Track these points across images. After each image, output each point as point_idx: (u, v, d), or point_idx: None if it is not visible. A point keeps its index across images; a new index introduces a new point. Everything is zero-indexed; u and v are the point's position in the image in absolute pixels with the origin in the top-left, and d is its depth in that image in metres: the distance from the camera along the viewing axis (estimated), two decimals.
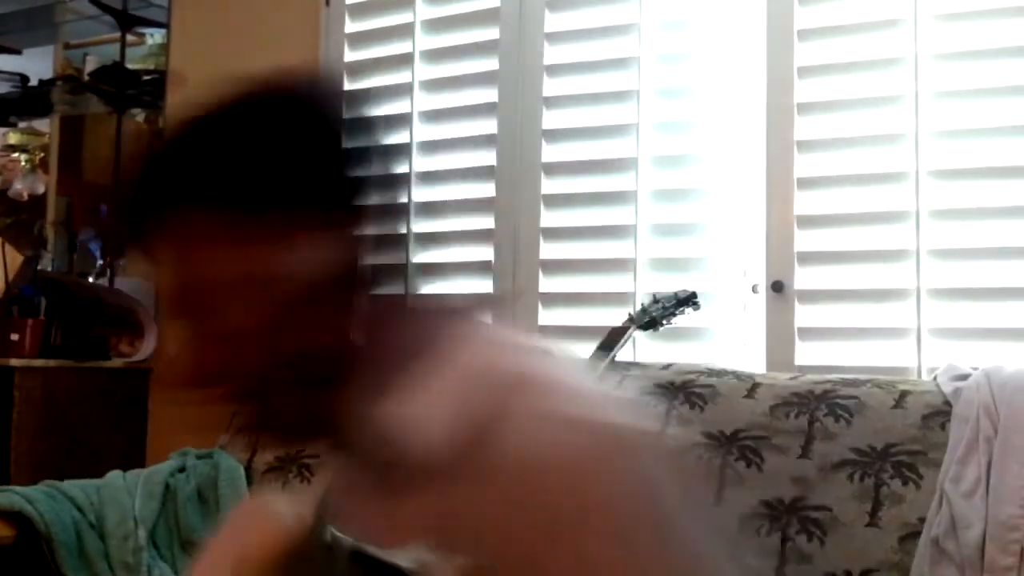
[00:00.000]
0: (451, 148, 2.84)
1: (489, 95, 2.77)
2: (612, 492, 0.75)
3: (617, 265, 2.54)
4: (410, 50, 2.91)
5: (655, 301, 2.27)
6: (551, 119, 2.68)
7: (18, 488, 2.00)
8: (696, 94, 2.51)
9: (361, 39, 3.04)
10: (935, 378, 1.88)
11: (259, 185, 0.84)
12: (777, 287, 2.33)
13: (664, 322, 2.25)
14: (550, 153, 2.67)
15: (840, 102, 2.32)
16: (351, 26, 3.06)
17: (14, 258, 3.52)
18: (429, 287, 2.66)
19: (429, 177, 2.86)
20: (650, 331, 2.28)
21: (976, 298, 2.15)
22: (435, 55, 2.89)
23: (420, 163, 2.88)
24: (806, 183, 2.33)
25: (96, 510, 2.01)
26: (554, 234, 2.65)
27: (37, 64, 4.01)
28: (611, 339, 2.14)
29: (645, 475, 0.78)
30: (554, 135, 2.67)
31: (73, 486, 2.05)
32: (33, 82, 3.96)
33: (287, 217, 0.84)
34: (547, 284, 2.64)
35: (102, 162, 3.75)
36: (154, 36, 3.68)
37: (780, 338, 2.31)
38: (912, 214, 2.21)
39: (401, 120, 2.90)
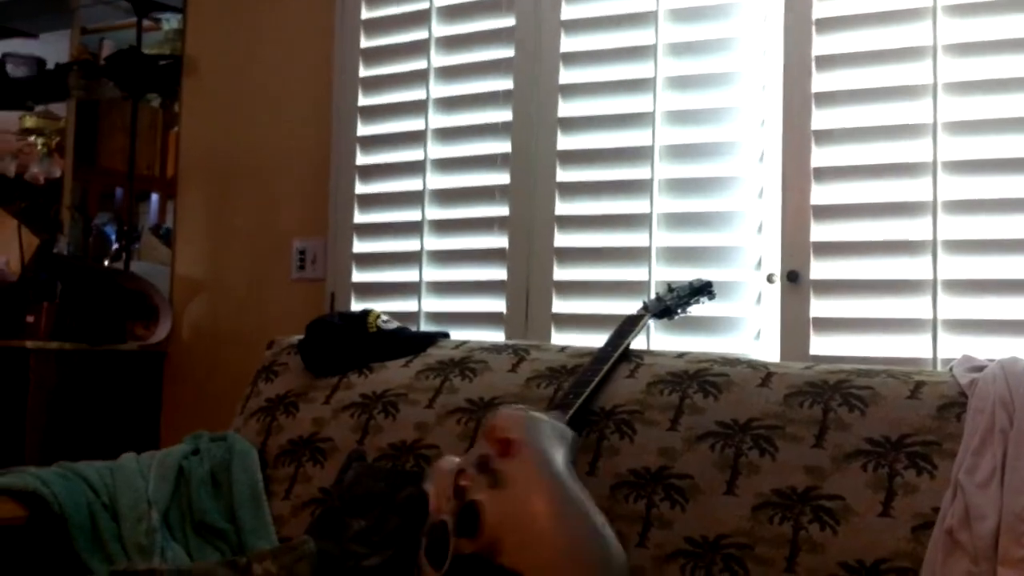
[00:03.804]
0: (466, 136, 2.84)
1: (505, 83, 2.77)
2: None
3: (632, 254, 2.54)
4: (425, 36, 2.91)
5: (670, 290, 2.27)
6: (567, 108, 2.68)
7: (32, 469, 2.01)
8: (712, 84, 2.50)
9: (378, 24, 3.04)
10: (951, 369, 1.87)
11: None
12: (792, 277, 2.33)
13: (679, 311, 2.25)
14: (566, 142, 2.67)
15: (858, 92, 2.31)
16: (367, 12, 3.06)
17: (30, 241, 3.54)
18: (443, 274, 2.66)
19: (444, 165, 2.86)
20: (664, 320, 2.28)
21: (992, 290, 2.14)
22: (450, 42, 2.89)
23: (435, 151, 2.88)
24: (823, 174, 2.33)
25: (110, 492, 2.01)
26: (569, 223, 2.65)
27: (53, 49, 4.02)
28: (625, 328, 2.14)
29: None
30: (570, 124, 2.67)
31: (87, 467, 2.05)
32: (49, 66, 3.97)
33: None
34: (561, 273, 2.64)
35: (118, 147, 3.76)
36: (170, 21, 3.68)
37: (795, 329, 2.31)
38: (929, 206, 2.20)
39: (416, 107, 2.90)
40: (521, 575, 1.43)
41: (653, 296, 2.28)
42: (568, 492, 1.52)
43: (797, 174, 2.34)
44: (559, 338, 2.59)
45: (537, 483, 1.51)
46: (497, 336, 2.68)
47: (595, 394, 1.99)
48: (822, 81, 2.34)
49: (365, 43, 3.05)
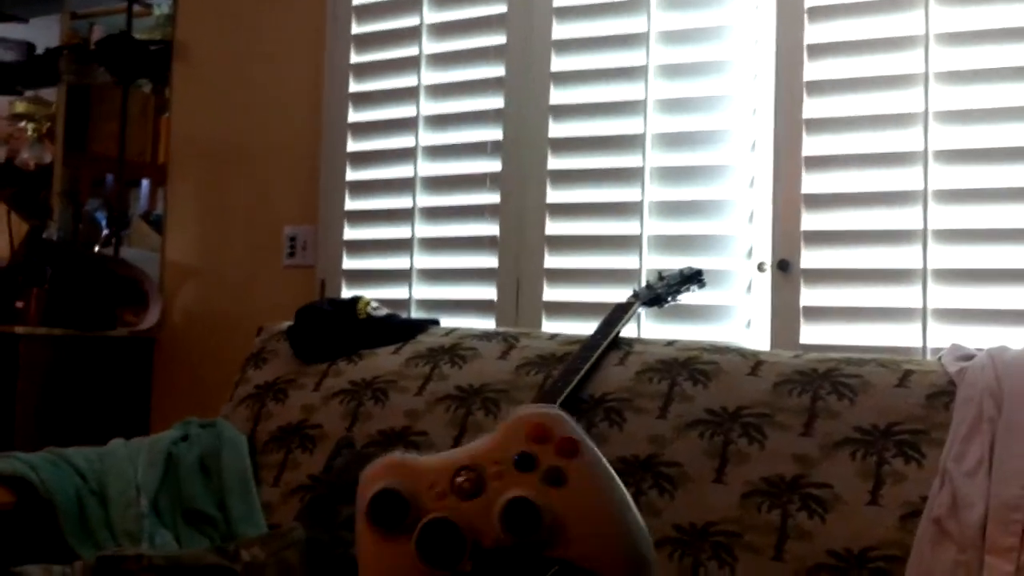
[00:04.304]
0: (458, 124, 2.83)
1: (497, 71, 2.77)
2: None
3: (623, 242, 2.54)
4: (417, 23, 2.90)
5: (660, 278, 2.27)
6: (559, 95, 2.67)
7: (20, 454, 2.00)
8: (704, 72, 2.50)
9: (369, 11, 3.03)
10: (940, 358, 1.88)
11: None
12: (783, 266, 2.33)
13: (669, 299, 2.25)
14: (557, 129, 2.66)
15: (849, 81, 2.31)
16: None
17: (20, 227, 3.53)
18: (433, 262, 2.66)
19: (436, 152, 2.86)
20: (655, 308, 2.28)
21: (982, 280, 2.15)
22: (442, 30, 2.89)
23: (427, 138, 2.87)
24: (814, 162, 2.33)
25: (99, 477, 2.01)
26: (560, 211, 2.65)
27: (43, 33, 4.00)
28: (615, 316, 2.14)
29: None
30: (562, 111, 2.66)
31: (75, 453, 2.05)
32: (39, 51, 3.95)
33: None
34: (552, 261, 2.64)
35: (109, 133, 3.75)
36: (161, 6, 3.67)
37: (785, 318, 2.31)
38: (920, 195, 2.21)
39: (408, 94, 2.90)
40: (593, 572, 1.47)
41: (643, 284, 2.28)
42: (626, 493, 1.57)
43: (788, 163, 2.34)
44: (549, 326, 2.59)
45: (607, 484, 1.55)
46: (487, 324, 2.68)
47: (584, 382, 1.99)
48: (814, 70, 2.34)
49: (356, 29, 3.04)
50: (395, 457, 1.61)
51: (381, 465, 1.60)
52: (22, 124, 4.03)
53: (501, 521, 1.49)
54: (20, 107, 4.06)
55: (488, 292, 2.72)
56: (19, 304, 3.25)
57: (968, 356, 1.84)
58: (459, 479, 1.56)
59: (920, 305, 2.19)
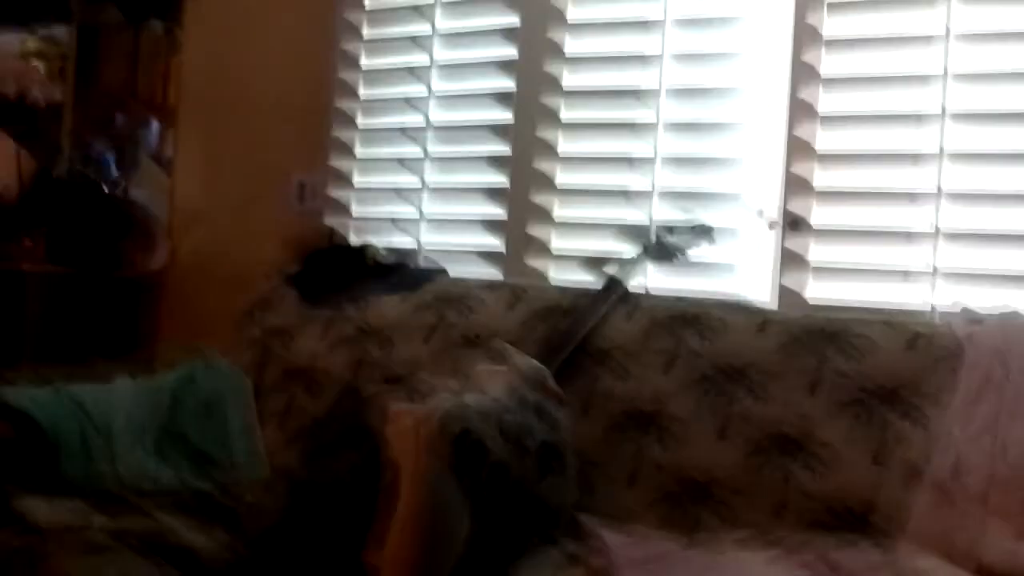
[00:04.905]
0: (470, 73, 2.81)
1: (511, 20, 2.74)
2: None
3: (633, 195, 2.52)
4: None
5: (670, 232, 2.25)
6: (573, 45, 2.65)
7: (25, 389, 2.01)
8: (720, 25, 2.47)
9: None
10: (949, 322, 1.86)
11: None
12: (794, 224, 2.31)
13: (679, 254, 2.24)
14: (571, 80, 2.64)
15: (867, 39, 2.27)
16: None
17: (29, 165, 3.52)
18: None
19: (447, 101, 2.83)
20: (664, 263, 2.26)
21: (993, 242, 2.12)
22: None
23: (439, 86, 2.85)
24: (828, 120, 2.30)
25: (103, 415, 2.02)
26: (570, 162, 2.63)
27: None
28: (624, 270, 2.13)
29: None
30: (575, 62, 2.64)
31: (81, 390, 2.06)
32: None
33: None
34: (561, 212, 2.62)
35: (119, 73, 3.72)
36: None
37: (794, 275, 2.29)
38: (935, 156, 2.18)
39: (420, 43, 2.87)
40: None
41: (653, 238, 2.27)
42: None
43: (803, 120, 2.32)
44: (557, 278, 2.58)
45: None
46: (495, 275, 2.67)
47: (591, 336, 1.98)
48: (832, 26, 2.31)
49: None
50: None
51: None
52: (33, 62, 4.01)
53: None
54: (31, 45, 4.03)
55: (496, 243, 2.71)
56: (27, 242, 3.24)
57: (978, 320, 1.83)
58: None
59: (931, 266, 2.17)
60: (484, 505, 1.51)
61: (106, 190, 3.59)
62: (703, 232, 2.26)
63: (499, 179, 2.72)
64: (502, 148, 2.72)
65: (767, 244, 2.37)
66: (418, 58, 2.89)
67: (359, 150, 2.99)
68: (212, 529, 1.71)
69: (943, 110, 2.17)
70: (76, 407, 2.00)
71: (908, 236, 2.20)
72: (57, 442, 1.92)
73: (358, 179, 2.98)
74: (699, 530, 1.73)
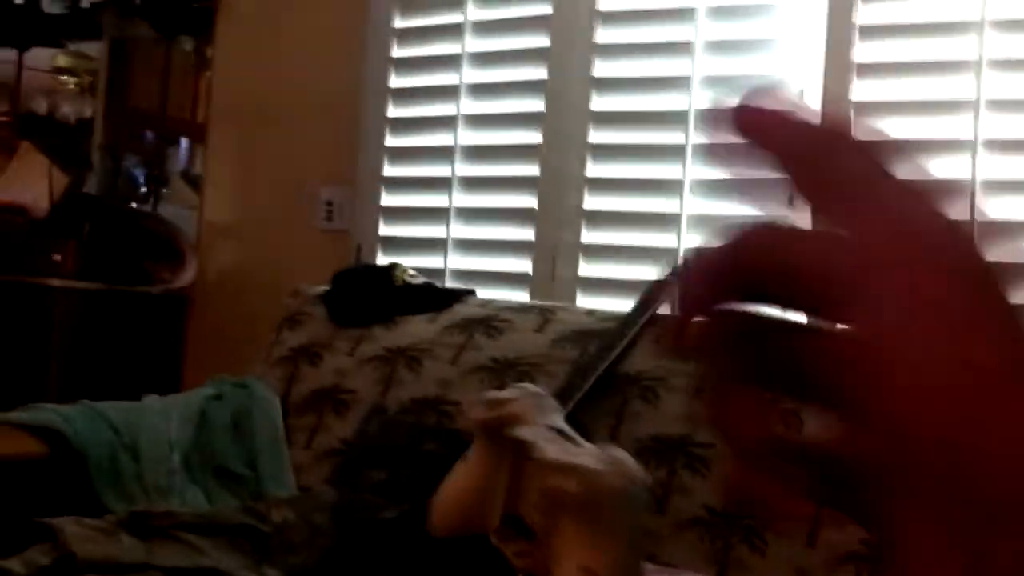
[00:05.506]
0: (500, 93, 2.82)
1: (542, 41, 2.74)
2: None
3: (662, 220, 2.51)
4: None
5: None
6: (603, 68, 2.65)
7: (55, 406, 2.02)
8: (751, 50, 2.47)
9: None
10: None
11: None
12: None
13: None
14: (600, 102, 2.64)
15: (901, 27, 2.27)
16: None
17: (59, 180, 3.54)
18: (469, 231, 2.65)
19: (477, 121, 2.84)
20: None
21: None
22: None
23: (468, 106, 2.85)
24: (861, 109, 2.29)
25: (132, 432, 2.02)
26: (600, 185, 2.63)
27: None
28: (653, 293, 2.12)
29: None
30: (605, 84, 2.64)
31: (110, 407, 2.06)
32: (84, 4, 3.95)
33: None
34: (590, 236, 2.62)
35: (150, 89, 3.75)
36: None
37: None
38: (969, 144, 2.16)
39: (451, 62, 2.88)
40: None
41: (681, 262, 2.26)
42: None
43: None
44: (585, 301, 2.57)
45: None
46: (522, 297, 2.66)
47: (620, 359, 1.98)
48: (866, 15, 2.29)
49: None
50: None
51: None
52: (64, 78, 4.04)
53: None
54: (62, 61, 4.07)
55: (524, 265, 2.71)
56: (56, 257, 3.26)
57: None
58: None
59: None
60: None
61: (136, 206, 3.61)
62: None
63: (528, 201, 2.72)
64: (531, 169, 2.72)
65: None
66: (449, 78, 2.90)
67: (387, 169, 3.00)
68: (260, 567, 1.70)
69: (979, 96, 2.15)
70: (105, 425, 2.01)
71: None
72: (87, 460, 1.93)
73: (385, 198, 2.99)
74: (729, 558, 1.72)
